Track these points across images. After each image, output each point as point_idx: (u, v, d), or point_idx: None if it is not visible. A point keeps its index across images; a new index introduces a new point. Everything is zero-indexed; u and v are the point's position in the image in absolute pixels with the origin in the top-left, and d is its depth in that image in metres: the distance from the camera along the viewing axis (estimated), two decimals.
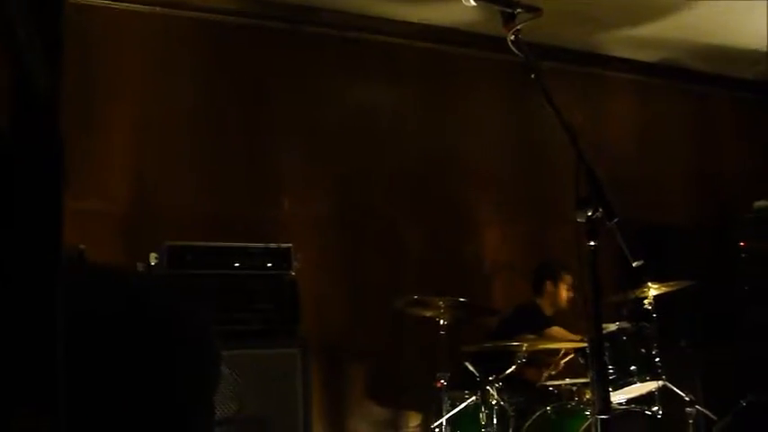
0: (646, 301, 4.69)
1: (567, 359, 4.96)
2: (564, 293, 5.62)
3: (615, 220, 2.64)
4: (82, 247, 4.22)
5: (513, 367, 4.55)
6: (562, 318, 5.57)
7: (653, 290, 4.65)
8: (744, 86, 7.98)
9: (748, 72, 7.79)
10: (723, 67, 7.66)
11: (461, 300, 4.54)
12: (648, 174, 7.25)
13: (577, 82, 7.01)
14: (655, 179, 7.28)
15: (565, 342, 4.77)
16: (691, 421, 4.64)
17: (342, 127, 5.97)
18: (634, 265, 2.69)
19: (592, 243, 2.65)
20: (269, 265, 4.85)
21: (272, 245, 4.92)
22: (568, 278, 5.63)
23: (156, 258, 4.59)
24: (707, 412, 4.73)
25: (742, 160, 7.76)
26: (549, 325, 5.45)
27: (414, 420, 5.85)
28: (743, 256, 6.72)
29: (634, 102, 7.43)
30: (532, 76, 2.81)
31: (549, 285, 5.64)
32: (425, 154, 6.25)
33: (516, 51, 2.76)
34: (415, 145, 6.22)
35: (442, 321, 4.46)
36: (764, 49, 7.21)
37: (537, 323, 5.32)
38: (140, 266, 4.57)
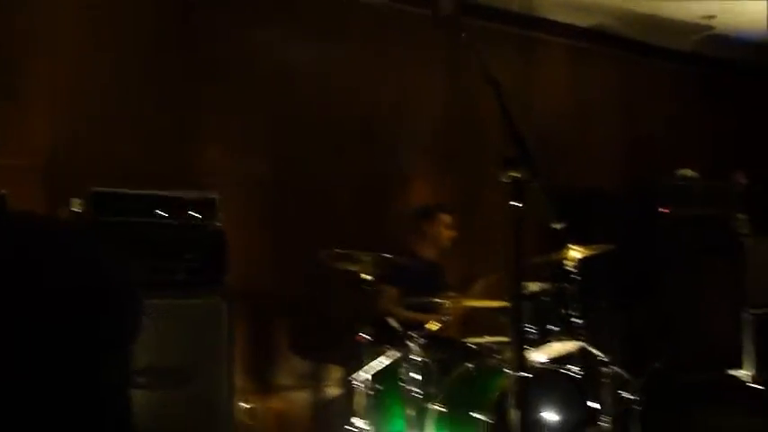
0: (568, 263, 4.77)
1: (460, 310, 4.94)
2: (443, 232, 5.63)
3: (539, 181, 2.67)
4: (3, 191, 4.13)
5: (436, 324, 4.60)
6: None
7: (575, 252, 4.73)
8: (674, 56, 8.10)
9: (679, 42, 7.91)
10: (655, 37, 7.76)
11: (386, 255, 4.55)
12: (576, 138, 7.34)
13: (512, 43, 7.04)
14: (582, 143, 7.38)
15: (488, 302, 4.81)
16: (607, 381, 4.76)
17: (273, 80, 5.89)
18: (555, 227, 2.72)
19: (516, 203, 2.67)
20: (195, 214, 4.80)
21: (199, 194, 4.86)
22: (446, 217, 5.64)
23: (79, 204, 4.50)
24: (623, 373, 4.84)
25: (668, 128, 7.90)
26: (432, 273, 5.51)
27: (336, 374, 5.89)
28: (664, 221, 6.87)
29: (566, 66, 7.49)
30: (463, 35, 2.81)
31: (425, 225, 5.64)
32: (355, 108, 6.22)
33: (447, 9, 2.75)
34: (346, 99, 6.18)
35: (366, 276, 4.47)
36: (696, 21, 7.33)
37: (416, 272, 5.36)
38: (63, 212, 4.48)
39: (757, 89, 8.48)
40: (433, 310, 5.00)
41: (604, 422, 4.64)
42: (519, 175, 2.64)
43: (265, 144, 5.80)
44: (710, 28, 7.57)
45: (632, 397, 4.74)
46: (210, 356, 4.71)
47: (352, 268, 4.53)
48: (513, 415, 2.86)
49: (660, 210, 6.87)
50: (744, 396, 6.97)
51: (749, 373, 7.02)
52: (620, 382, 4.83)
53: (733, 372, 7.05)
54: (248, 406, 5.35)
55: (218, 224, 4.83)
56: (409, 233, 5.73)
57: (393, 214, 5.91)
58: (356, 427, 4.45)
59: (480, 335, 4.95)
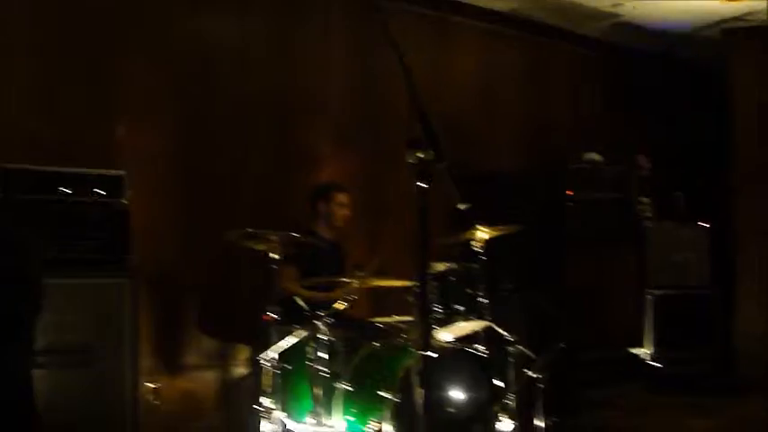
0: (475, 244, 4.82)
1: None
2: (337, 211, 5.65)
3: (444, 162, 2.69)
4: None
5: (343, 303, 4.62)
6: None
7: (482, 233, 4.78)
8: (583, 42, 8.25)
9: (587, 28, 8.05)
10: (565, 22, 7.88)
11: (294, 234, 4.54)
12: (486, 120, 7.42)
13: (425, 25, 7.07)
14: (491, 126, 7.46)
15: (393, 281, 4.82)
16: (512, 360, 4.84)
17: (185, 57, 5.80)
18: (460, 207, 2.75)
19: (422, 184, 2.69)
20: (101, 192, 4.71)
21: (105, 172, 4.78)
22: (342, 196, 5.65)
23: None
24: (528, 352, 4.93)
25: (575, 113, 8.06)
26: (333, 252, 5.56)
27: (243, 354, 5.87)
28: (570, 204, 7.01)
29: (477, 48, 7.54)
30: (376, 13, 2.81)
31: (321, 205, 5.65)
32: (267, 89, 6.16)
33: None
34: (257, 79, 6.12)
35: (274, 255, 4.45)
36: (605, 8, 7.48)
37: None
38: None
39: (660, 77, 8.71)
40: (337, 290, 5.02)
41: (509, 400, 4.72)
42: (425, 156, 2.66)
43: (175, 121, 5.71)
44: (618, 15, 7.72)
45: (536, 375, 4.82)
46: (115, 336, 4.65)
47: (260, 247, 4.51)
48: (418, 393, 2.89)
49: (565, 192, 7.01)
50: (643, 373, 7.20)
51: (648, 352, 7.23)
52: (525, 360, 4.91)
53: (634, 350, 7.26)
54: (154, 386, 5.29)
55: (123, 202, 4.76)
56: (309, 213, 5.71)
57: (300, 194, 5.87)
58: (264, 407, 4.44)
59: (388, 314, 4.99)
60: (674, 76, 8.81)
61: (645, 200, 7.51)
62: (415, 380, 3.08)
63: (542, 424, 4.78)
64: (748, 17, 7.55)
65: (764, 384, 6.67)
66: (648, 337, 7.25)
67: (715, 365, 7.37)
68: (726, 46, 7.83)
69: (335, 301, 4.66)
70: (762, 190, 7.02)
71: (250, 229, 4.40)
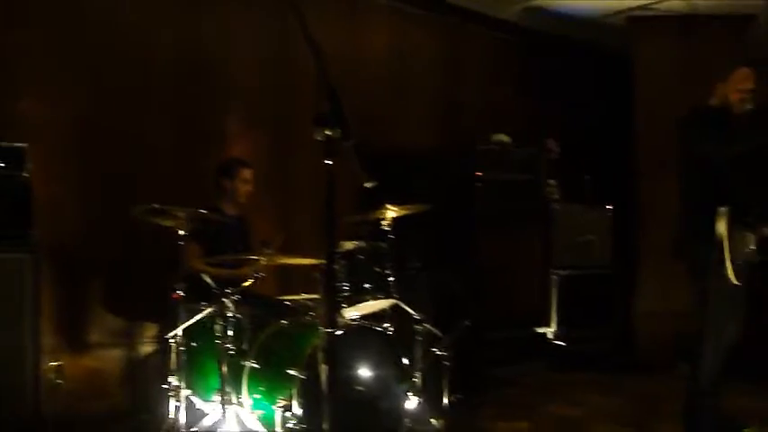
0: (383, 223, 4.85)
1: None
2: (241, 187, 5.61)
3: (351, 140, 2.70)
4: None
5: (250, 280, 4.60)
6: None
7: (391, 212, 4.81)
8: (496, 25, 8.32)
9: (501, 11, 8.13)
10: (478, 5, 7.94)
11: (201, 211, 4.49)
12: (397, 99, 7.44)
13: (337, 5, 7.04)
14: (402, 105, 7.48)
15: (301, 259, 4.82)
16: (419, 338, 4.90)
17: (87, 28, 5.66)
18: (366, 185, 2.77)
19: (328, 161, 2.70)
20: (1, 164, 4.59)
21: (5, 144, 4.66)
22: (246, 172, 5.62)
23: None
24: (434, 330, 4.99)
25: (485, 94, 8.14)
26: (238, 229, 5.55)
27: (150, 331, 5.80)
28: (479, 185, 7.10)
29: (389, 29, 7.54)
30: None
31: (225, 182, 5.62)
32: (177, 63, 6.07)
33: None
34: (163, 51, 6.02)
35: (181, 232, 4.40)
36: None
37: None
38: None
39: (571, 62, 8.87)
40: (244, 267, 4.99)
41: (415, 377, 4.78)
42: (332, 134, 2.67)
43: (78, 94, 5.57)
44: (529, 0, 7.82)
45: (442, 353, 4.89)
46: (16, 313, 4.55)
47: (167, 223, 4.46)
48: (324, 371, 2.91)
49: (475, 173, 7.09)
50: (546, 352, 7.36)
51: (552, 331, 7.40)
52: (432, 338, 4.98)
53: (539, 329, 7.41)
54: (57, 364, 5.18)
55: (25, 175, 4.65)
56: (213, 189, 5.66)
57: (207, 169, 5.80)
58: (170, 385, 4.40)
59: (297, 292, 4.99)
60: (584, 61, 8.98)
61: (552, 182, 7.65)
62: (321, 357, 3.09)
63: (447, 401, 4.86)
64: (654, 5, 7.74)
65: (662, 362, 6.88)
66: (552, 316, 7.42)
67: (616, 344, 7.59)
68: (631, 33, 8.01)
69: (243, 279, 4.64)
70: (663, 174, 7.19)
71: (156, 205, 4.34)
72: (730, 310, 4.53)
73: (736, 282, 4.38)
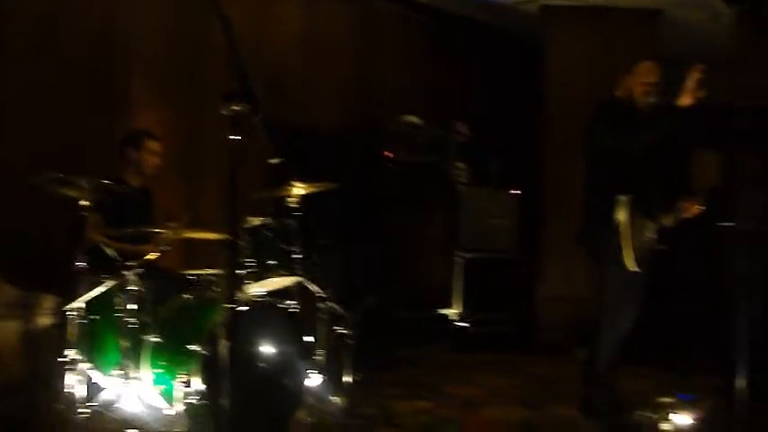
0: (290, 200, 4.84)
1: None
2: (148, 159, 5.53)
3: (259, 116, 2.70)
4: None
5: (154, 254, 4.54)
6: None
7: (298, 189, 4.81)
8: (413, 6, 8.34)
9: None
10: None
11: (105, 181, 4.40)
12: (307, 77, 7.40)
13: None
14: (312, 83, 7.44)
15: (206, 234, 4.77)
16: (323, 316, 4.92)
17: None
18: (272, 162, 2.77)
19: (234, 137, 2.69)
20: None
21: None
22: (153, 144, 5.53)
23: None
24: (338, 309, 5.01)
25: (397, 75, 8.16)
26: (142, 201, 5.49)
27: (49, 303, 5.66)
28: (388, 165, 7.14)
29: (300, 4, 7.48)
30: None
31: (131, 153, 5.53)
32: (81, 28, 5.93)
33: None
34: (71, 19, 5.88)
35: (83, 202, 4.31)
36: None
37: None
38: None
39: (485, 47, 8.96)
40: (147, 240, 4.92)
41: (319, 355, 4.80)
42: (240, 109, 2.66)
43: None
44: None
45: (346, 332, 4.92)
46: None
47: (70, 193, 4.35)
48: (224, 346, 2.91)
49: (384, 153, 7.12)
50: (450, 333, 7.47)
51: (456, 312, 7.50)
52: (336, 317, 5.00)
53: (443, 311, 7.51)
54: None
55: None
56: (117, 159, 5.56)
57: (112, 139, 5.69)
58: (69, 359, 4.32)
59: (201, 267, 4.93)
60: (497, 46, 9.08)
61: (460, 165, 7.73)
62: (222, 333, 3.07)
63: (350, 379, 4.90)
64: None
65: (563, 345, 7.05)
66: (457, 298, 7.52)
67: (518, 327, 7.74)
68: (543, 22, 8.14)
69: (146, 251, 4.57)
70: (570, 162, 7.36)
71: (59, 174, 4.23)
72: (627, 296, 4.67)
73: (633, 268, 4.52)
